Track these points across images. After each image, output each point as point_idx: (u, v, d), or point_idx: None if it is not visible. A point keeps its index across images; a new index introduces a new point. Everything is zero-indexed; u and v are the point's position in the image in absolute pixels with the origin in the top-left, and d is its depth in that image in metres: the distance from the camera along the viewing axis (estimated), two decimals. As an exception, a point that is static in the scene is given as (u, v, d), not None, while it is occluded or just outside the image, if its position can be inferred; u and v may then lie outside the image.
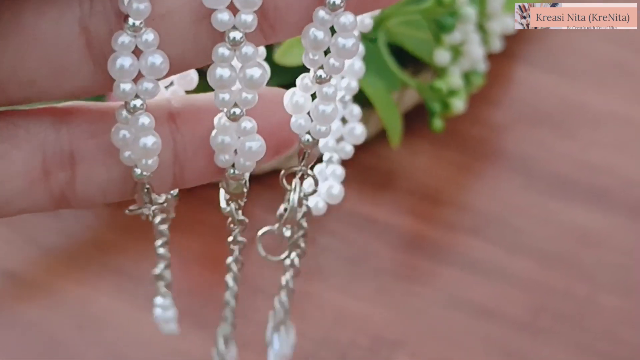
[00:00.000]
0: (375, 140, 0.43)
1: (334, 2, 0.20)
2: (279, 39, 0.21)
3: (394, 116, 0.40)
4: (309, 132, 0.21)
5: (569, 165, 0.43)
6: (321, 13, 0.20)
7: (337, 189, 0.30)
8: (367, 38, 0.40)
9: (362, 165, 0.42)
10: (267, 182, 0.40)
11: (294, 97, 0.21)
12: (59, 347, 0.35)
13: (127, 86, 0.20)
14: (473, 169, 0.43)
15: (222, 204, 0.24)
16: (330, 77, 0.21)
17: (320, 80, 0.21)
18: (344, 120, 0.31)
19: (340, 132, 0.31)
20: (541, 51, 0.49)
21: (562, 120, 0.45)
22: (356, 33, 0.22)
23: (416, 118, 0.44)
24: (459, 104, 0.40)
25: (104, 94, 0.22)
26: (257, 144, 0.21)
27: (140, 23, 0.19)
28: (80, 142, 0.21)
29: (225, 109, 0.21)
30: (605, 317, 0.37)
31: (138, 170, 0.21)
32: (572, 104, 0.46)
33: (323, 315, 0.36)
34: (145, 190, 0.22)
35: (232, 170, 0.22)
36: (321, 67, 0.20)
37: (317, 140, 0.22)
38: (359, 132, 0.31)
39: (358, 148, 0.43)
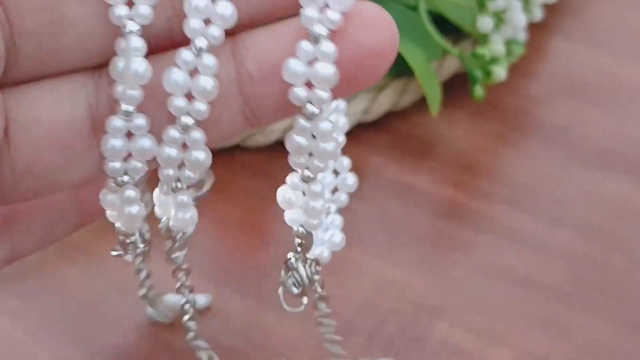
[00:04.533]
0: (414, 109, 0.43)
1: (312, 112, 0.21)
2: (262, 124, 0.22)
3: (434, 85, 0.40)
4: (302, 225, 0.23)
5: (607, 137, 0.43)
6: (301, 121, 0.21)
7: (339, 238, 0.32)
8: (408, 6, 0.40)
9: (400, 134, 0.42)
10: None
11: (286, 194, 0.23)
12: (100, 310, 0.35)
13: (117, 165, 0.21)
14: (511, 140, 0.42)
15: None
16: (316, 177, 0.22)
17: (307, 179, 0.22)
18: (335, 172, 0.33)
19: (334, 183, 0.33)
20: (579, 23, 0.48)
21: (601, 92, 0.45)
22: (337, 136, 0.23)
23: (454, 88, 0.43)
24: (500, 72, 0.40)
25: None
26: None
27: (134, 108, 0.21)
28: None
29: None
30: (645, 289, 0.37)
31: (119, 225, 0.23)
32: (610, 77, 0.46)
33: (363, 282, 0.36)
34: (129, 243, 0.25)
35: None
36: (307, 168, 0.22)
37: (311, 232, 0.23)
38: (351, 182, 0.33)
39: (397, 116, 0.43)
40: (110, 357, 0.34)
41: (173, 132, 0.21)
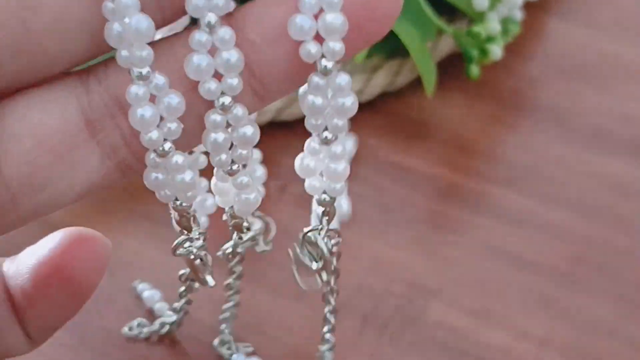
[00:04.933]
0: (409, 90, 0.42)
1: (326, 66, 0.20)
2: (272, 97, 0.21)
3: (429, 65, 0.40)
4: (325, 192, 0.22)
5: (604, 117, 0.42)
6: (315, 79, 0.20)
7: (346, 205, 0.32)
8: (403, -16, 0.40)
9: (395, 114, 0.42)
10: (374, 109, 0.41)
11: (304, 161, 0.22)
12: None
13: (154, 134, 0.20)
14: (507, 120, 0.42)
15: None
16: (336, 137, 0.21)
17: (327, 142, 0.21)
18: None
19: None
20: (575, 3, 0.48)
21: (597, 73, 0.44)
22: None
23: (449, 69, 0.43)
24: (496, 50, 0.39)
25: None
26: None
27: (147, 72, 0.19)
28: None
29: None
30: (644, 268, 0.36)
31: (179, 201, 0.22)
32: (606, 57, 0.45)
33: (358, 263, 0.36)
34: (191, 217, 0.23)
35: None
36: (326, 129, 0.21)
37: (334, 198, 0.22)
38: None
39: (391, 96, 0.42)
40: (101, 340, 0.33)
41: (214, 117, 0.20)
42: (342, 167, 0.21)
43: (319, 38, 0.19)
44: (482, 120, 0.42)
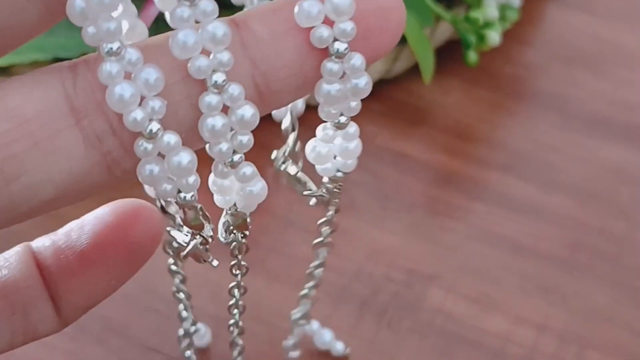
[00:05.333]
0: (407, 77, 0.42)
1: (338, 49, 0.19)
2: (275, 99, 0.19)
3: (427, 52, 0.40)
4: (339, 170, 0.22)
5: (603, 103, 0.42)
6: (329, 65, 0.19)
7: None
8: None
9: (393, 101, 0.42)
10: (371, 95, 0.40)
11: (316, 149, 0.21)
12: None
13: (137, 114, 0.18)
14: (506, 107, 0.42)
15: (221, 235, 0.23)
16: (349, 120, 0.20)
17: (341, 126, 0.20)
18: None
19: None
20: (574, -10, 0.48)
21: (596, 59, 0.44)
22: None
23: (447, 55, 0.43)
24: (494, 36, 0.39)
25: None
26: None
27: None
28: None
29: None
30: (643, 254, 0.36)
31: (183, 195, 0.19)
32: (605, 43, 0.45)
33: (357, 250, 0.35)
34: (200, 212, 0.20)
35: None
36: (341, 114, 0.20)
37: (347, 172, 0.22)
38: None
39: (389, 83, 0.42)
40: (99, 328, 0.33)
41: (209, 98, 0.18)
42: (354, 144, 0.21)
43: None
44: (480, 106, 0.42)
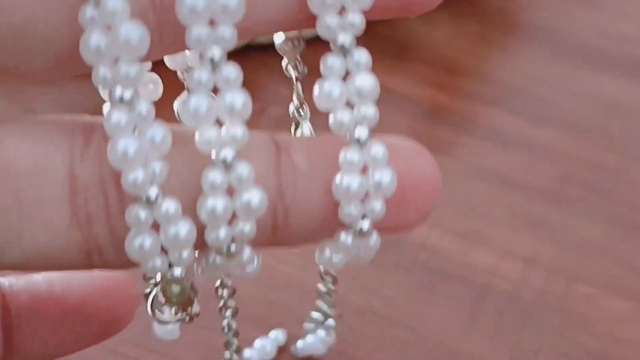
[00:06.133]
0: (392, 10, 0.41)
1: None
2: (288, 237, 0.17)
3: (412, -18, 0.38)
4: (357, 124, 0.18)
5: (596, 36, 0.41)
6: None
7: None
8: None
9: (378, 36, 0.40)
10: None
11: (326, 87, 0.17)
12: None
13: (139, 175, 0.15)
14: (494, 40, 0.40)
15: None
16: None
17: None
18: None
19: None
20: None
21: (589, -9, 0.43)
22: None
23: (435, -12, 0.41)
24: (481, -35, 0.38)
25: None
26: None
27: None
28: None
29: None
30: (635, 187, 0.35)
31: (177, 271, 0.16)
32: (599, -25, 0.44)
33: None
34: (189, 292, 0.18)
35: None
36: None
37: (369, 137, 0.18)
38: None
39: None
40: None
41: (214, 175, 0.16)
42: (370, 79, 0.18)
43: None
44: (469, 40, 0.40)
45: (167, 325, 0.20)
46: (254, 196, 0.16)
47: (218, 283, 0.25)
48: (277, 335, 0.30)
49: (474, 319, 0.31)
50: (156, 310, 0.20)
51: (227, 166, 0.16)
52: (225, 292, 0.25)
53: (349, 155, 0.17)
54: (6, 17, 0.15)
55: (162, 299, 0.18)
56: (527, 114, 0.37)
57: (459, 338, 0.30)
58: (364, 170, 0.17)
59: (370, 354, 0.29)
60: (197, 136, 0.16)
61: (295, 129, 0.21)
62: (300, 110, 0.22)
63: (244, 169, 0.16)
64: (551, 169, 0.35)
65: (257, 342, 0.30)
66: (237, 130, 0.16)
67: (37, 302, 0.22)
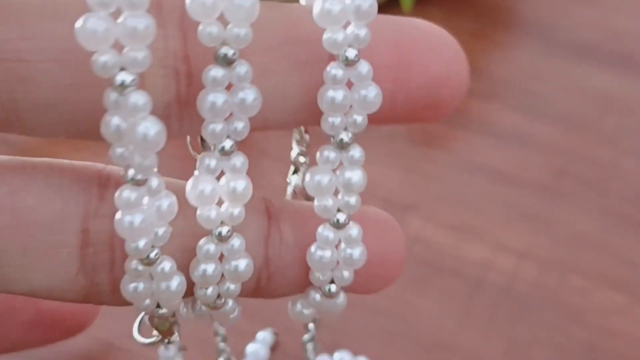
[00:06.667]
0: (386, 6, 0.41)
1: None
2: (269, 293, 0.19)
3: (406, -23, 0.38)
4: (339, 209, 0.18)
5: (590, 31, 0.41)
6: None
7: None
8: None
9: (372, 31, 0.40)
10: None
11: (316, 178, 0.18)
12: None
13: (141, 243, 0.17)
14: (488, 36, 0.40)
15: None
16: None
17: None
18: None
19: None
20: None
21: (583, -14, 0.43)
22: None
23: (429, -16, 0.41)
24: (475, -41, 0.38)
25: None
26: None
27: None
28: None
29: None
30: (629, 181, 0.35)
31: (164, 311, 0.18)
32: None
33: (333, 180, 0.34)
34: (169, 324, 0.19)
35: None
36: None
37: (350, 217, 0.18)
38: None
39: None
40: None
41: (209, 247, 0.17)
42: (359, 174, 0.18)
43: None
44: (463, 36, 0.40)
45: (147, 346, 0.21)
46: (242, 264, 0.18)
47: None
48: (264, 337, 0.30)
49: (468, 312, 0.31)
50: (139, 335, 0.21)
51: (221, 239, 0.17)
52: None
53: (326, 232, 0.18)
54: None
55: (148, 323, 0.20)
56: (521, 109, 0.37)
57: (453, 331, 0.30)
58: (338, 244, 0.18)
59: (363, 347, 0.29)
60: (198, 211, 0.17)
61: (294, 172, 0.22)
62: (302, 157, 0.22)
63: (236, 241, 0.17)
64: (545, 163, 0.35)
65: (250, 347, 0.30)
66: (235, 210, 0.17)
67: (14, 304, 0.23)
